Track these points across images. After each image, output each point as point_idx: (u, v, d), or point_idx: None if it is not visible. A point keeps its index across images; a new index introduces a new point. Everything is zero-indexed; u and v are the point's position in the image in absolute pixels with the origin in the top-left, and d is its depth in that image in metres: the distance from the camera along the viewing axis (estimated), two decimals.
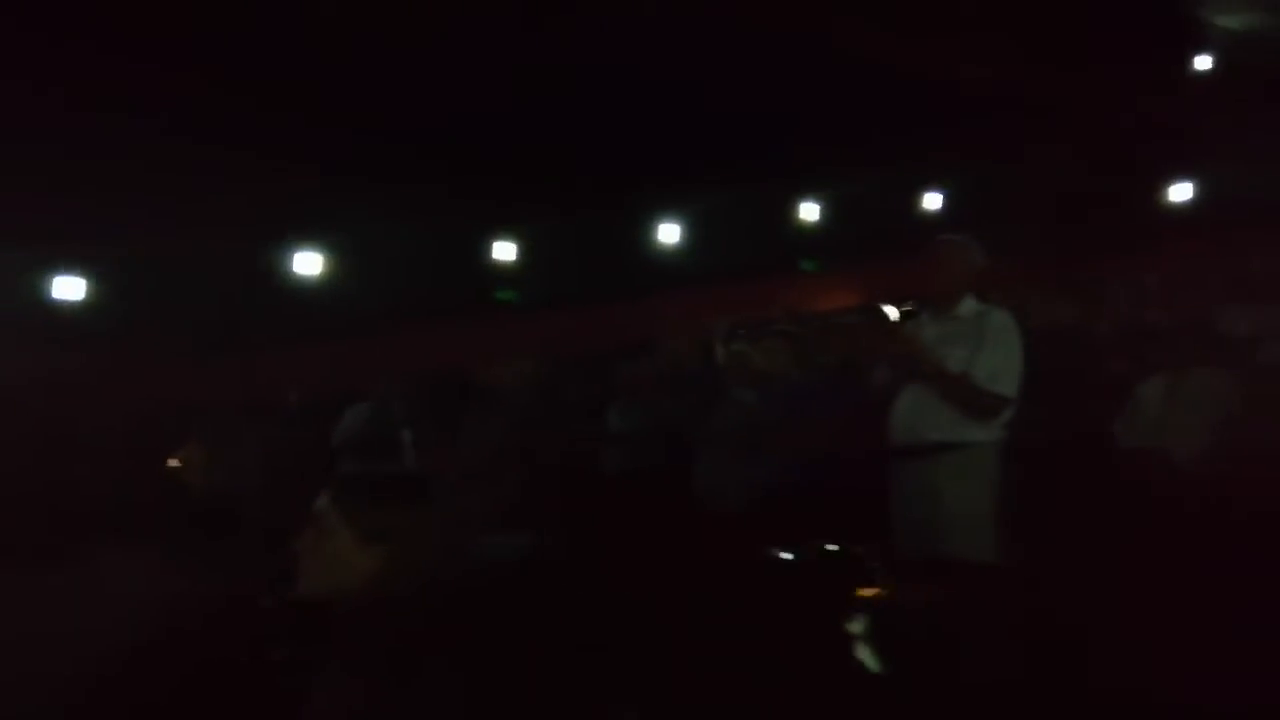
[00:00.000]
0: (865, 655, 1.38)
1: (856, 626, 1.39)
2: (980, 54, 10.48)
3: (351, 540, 1.92)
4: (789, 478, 3.67)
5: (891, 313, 3.41)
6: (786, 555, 1.54)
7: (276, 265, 7.53)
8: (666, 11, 8.00)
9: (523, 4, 7.34)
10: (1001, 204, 11.02)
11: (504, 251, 8.67)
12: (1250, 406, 3.34)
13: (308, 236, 7.49)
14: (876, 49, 9.37)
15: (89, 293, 7.38)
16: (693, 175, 8.69)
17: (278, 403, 6.27)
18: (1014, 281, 7.64)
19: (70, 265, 7.32)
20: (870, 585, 1.45)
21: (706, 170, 8.63)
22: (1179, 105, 12.08)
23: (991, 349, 3.07)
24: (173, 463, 4.23)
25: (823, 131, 9.01)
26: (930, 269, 3.29)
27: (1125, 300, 4.92)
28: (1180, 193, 10.99)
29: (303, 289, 7.47)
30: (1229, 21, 12.29)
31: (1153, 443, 3.48)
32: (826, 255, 10.67)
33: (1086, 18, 9.91)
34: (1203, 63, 12.54)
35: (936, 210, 11.65)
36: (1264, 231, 7.38)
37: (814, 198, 10.61)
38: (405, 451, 4.84)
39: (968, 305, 3.23)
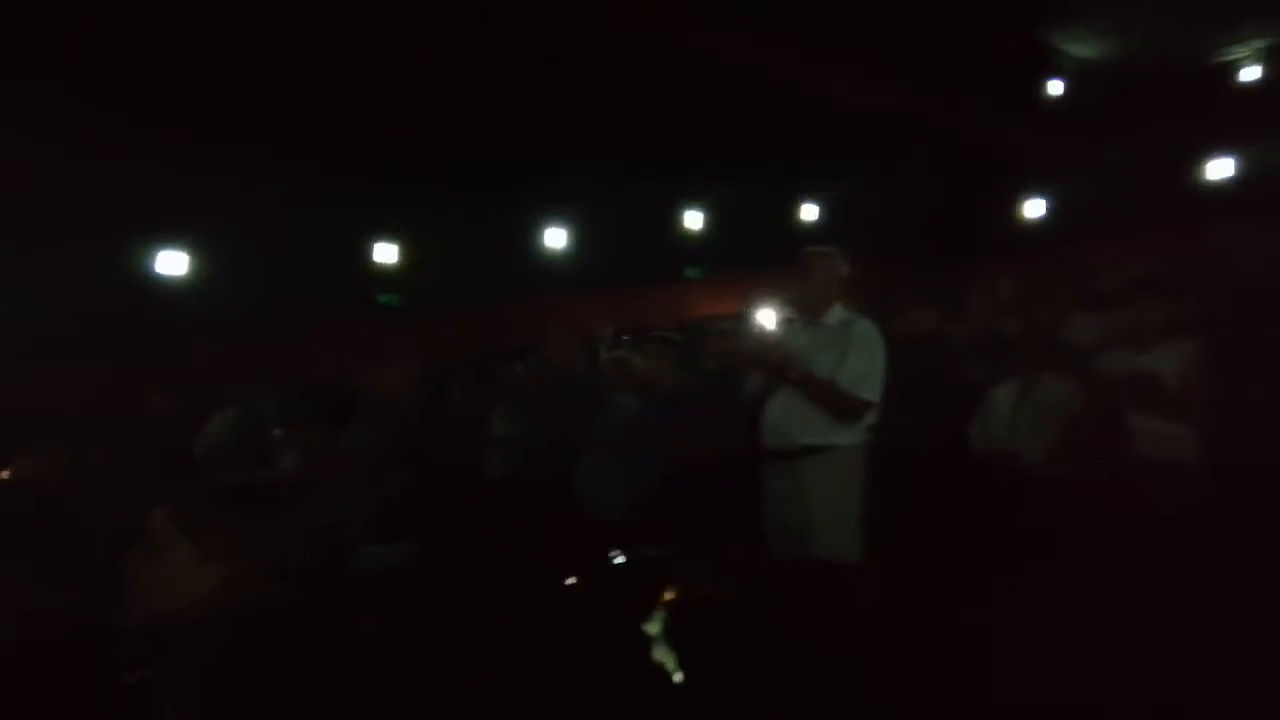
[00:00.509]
0: (662, 655, 1.41)
1: (654, 627, 1.43)
2: (853, 75, 10.96)
3: (189, 557, 1.81)
4: (668, 483, 3.71)
5: (769, 320, 3.49)
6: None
7: (138, 265, 7.10)
8: (559, 20, 8.01)
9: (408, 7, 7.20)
10: (871, 216, 11.54)
11: (385, 253, 8.44)
12: (1092, 411, 3.58)
13: (173, 235, 7.09)
14: (756, 65, 9.64)
15: None
16: (579, 180, 8.70)
17: (137, 410, 5.91)
18: (881, 289, 8.02)
19: None
20: (674, 586, 1.49)
21: (593, 175, 8.66)
22: (1033, 126, 12.91)
23: (856, 355, 3.20)
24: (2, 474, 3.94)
25: (706, 142, 9.20)
26: (799, 278, 3.41)
27: (982, 309, 5.19)
28: (1034, 208, 11.66)
29: (167, 290, 7.06)
30: (1079, 49, 13.24)
31: (1003, 445, 3.69)
32: (709, 263, 10.87)
33: (950, 43, 10.50)
34: (1055, 87, 13.45)
35: (813, 221, 12.06)
36: (1109, 245, 7.96)
37: (698, 206, 10.79)
38: (276, 459, 4.65)
39: (835, 313, 3.36)
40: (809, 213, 12.07)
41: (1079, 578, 2.78)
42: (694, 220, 10.87)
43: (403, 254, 8.53)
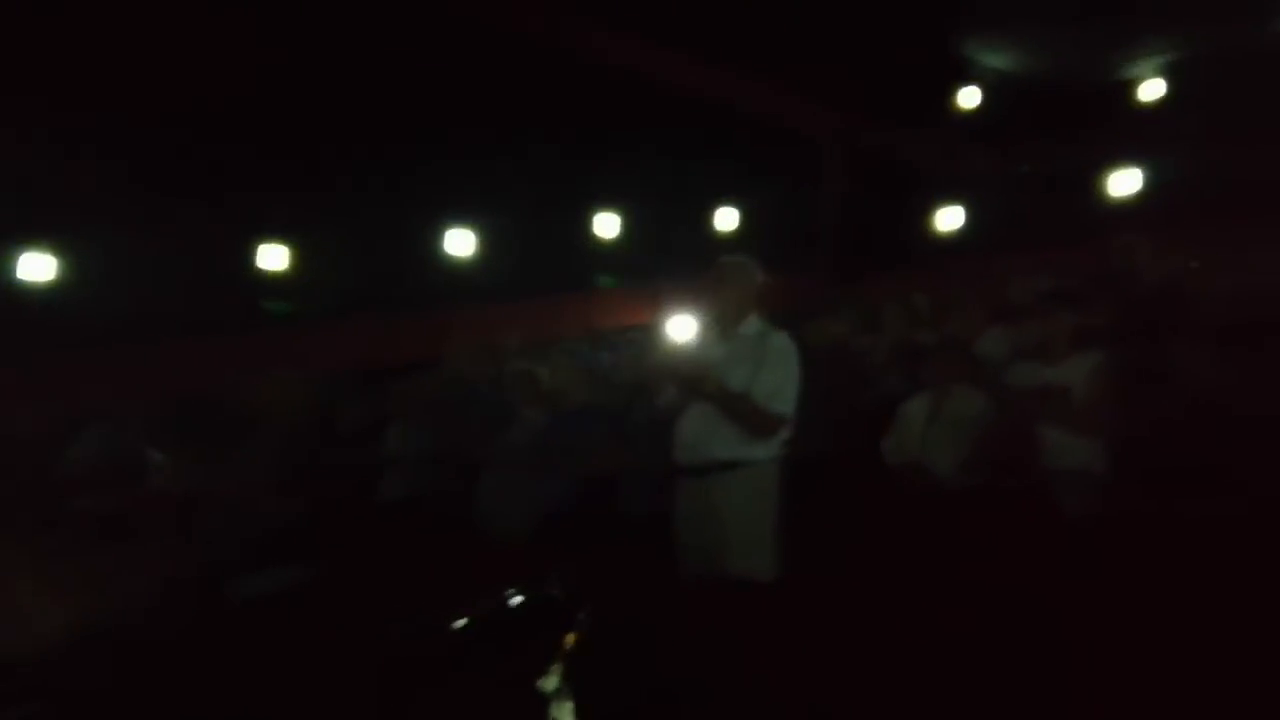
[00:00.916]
0: (561, 714, 1.26)
1: (550, 683, 1.27)
2: (768, 84, 11.08)
3: (31, 591, 1.64)
4: (574, 501, 3.57)
5: (684, 331, 3.40)
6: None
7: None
8: (467, 21, 7.83)
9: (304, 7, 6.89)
10: (789, 226, 11.66)
11: (274, 258, 7.86)
12: (1002, 423, 3.60)
13: (37, 237, 6.52)
14: (671, 73, 9.66)
15: None
16: (486, 183, 8.47)
17: None
18: (799, 300, 8.06)
19: None
20: (573, 630, 1.33)
21: (501, 179, 8.45)
22: (948, 136, 13.30)
23: (771, 369, 3.14)
24: None
25: (620, 148, 9.13)
26: (713, 290, 3.33)
27: (896, 320, 5.21)
28: (948, 220, 11.93)
29: (31, 296, 6.49)
30: (994, 60, 13.69)
31: (916, 458, 3.67)
32: (624, 271, 10.75)
33: (865, 53, 10.71)
34: (969, 98, 13.86)
35: (731, 229, 12.11)
36: (1020, 257, 8.19)
37: (612, 213, 10.68)
38: (150, 480, 4.32)
39: (750, 325, 3.29)
40: (727, 221, 12.12)
41: (993, 586, 2.78)
42: (608, 227, 10.74)
43: (293, 258, 8.01)
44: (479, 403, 4.38)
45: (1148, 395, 3.48)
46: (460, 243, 9.00)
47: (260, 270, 7.79)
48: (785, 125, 11.31)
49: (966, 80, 13.62)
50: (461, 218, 8.93)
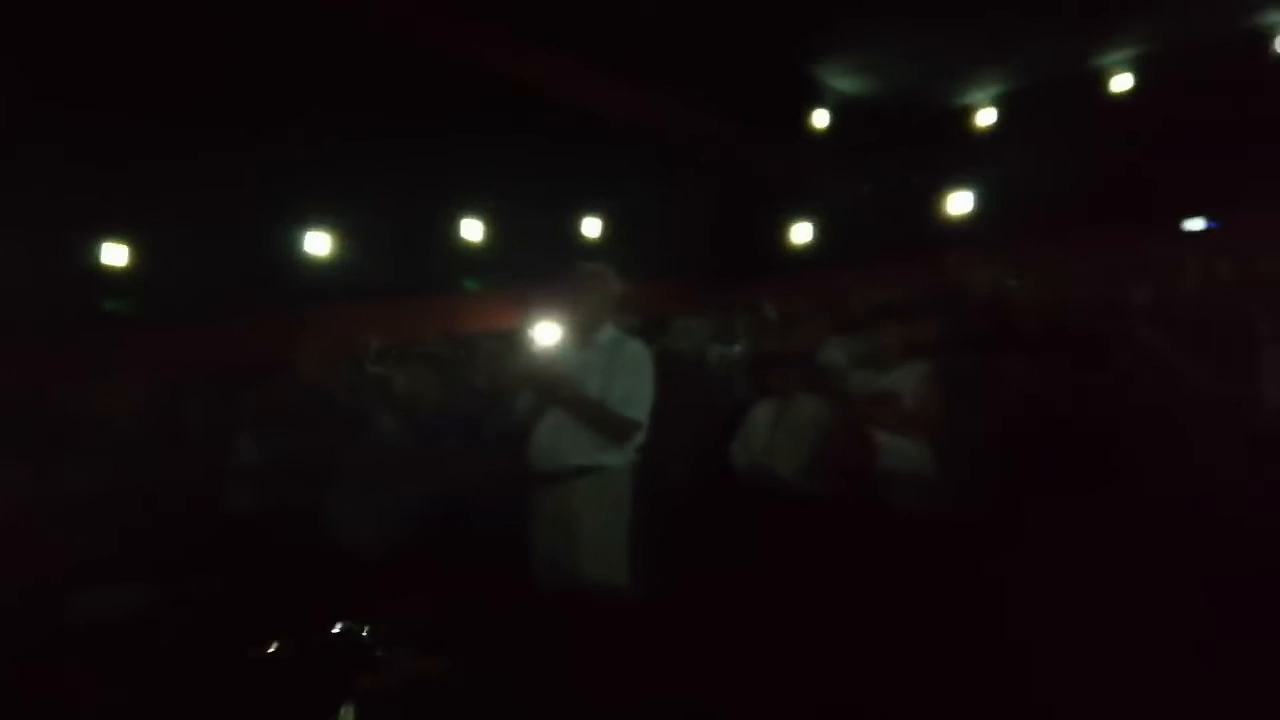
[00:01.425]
0: None
1: None
2: (632, 95, 11.25)
3: None
4: (431, 511, 3.52)
5: (545, 337, 3.42)
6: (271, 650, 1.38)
7: None
8: (328, 21, 7.57)
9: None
10: (651, 234, 11.86)
11: (113, 255, 7.37)
12: (841, 429, 3.78)
13: None
14: (533, 77, 9.65)
15: None
16: (345, 182, 8.20)
17: None
18: (657, 307, 8.20)
19: None
20: (374, 669, 1.33)
21: (361, 178, 8.21)
22: (800, 154, 13.85)
23: (626, 376, 3.20)
24: None
25: (485, 151, 9.04)
26: (570, 297, 3.36)
27: (747, 329, 5.39)
28: (800, 234, 12.44)
29: None
30: (842, 84, 14.36)
31: (762, 463, 3.82)
32: (488, 275, 10.62)
33: (725, 70, 11.05)
34: (821, 119, 14.50)
35: (595, 236, 12.19)
36: (865, 271, 8.61)
37: (477, 216, 10.53)
38: None
39: (606, 333, 3.34)
40: (593, 227, 12.18)
41: (837, 588, 2.93)
42: (473, 231, 10.59)
43: (134, 256, 7.51)
44: (332, 409, 4.25)
45: (974, 401, 3.73)
46: (317, 244, 8.69)
47: (99, 268, 7.24)
48: (649, 136, 11.52)
49: (819, 102, 14.32)
50: (319, 219, 8.62)
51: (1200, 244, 8.97)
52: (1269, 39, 12.46)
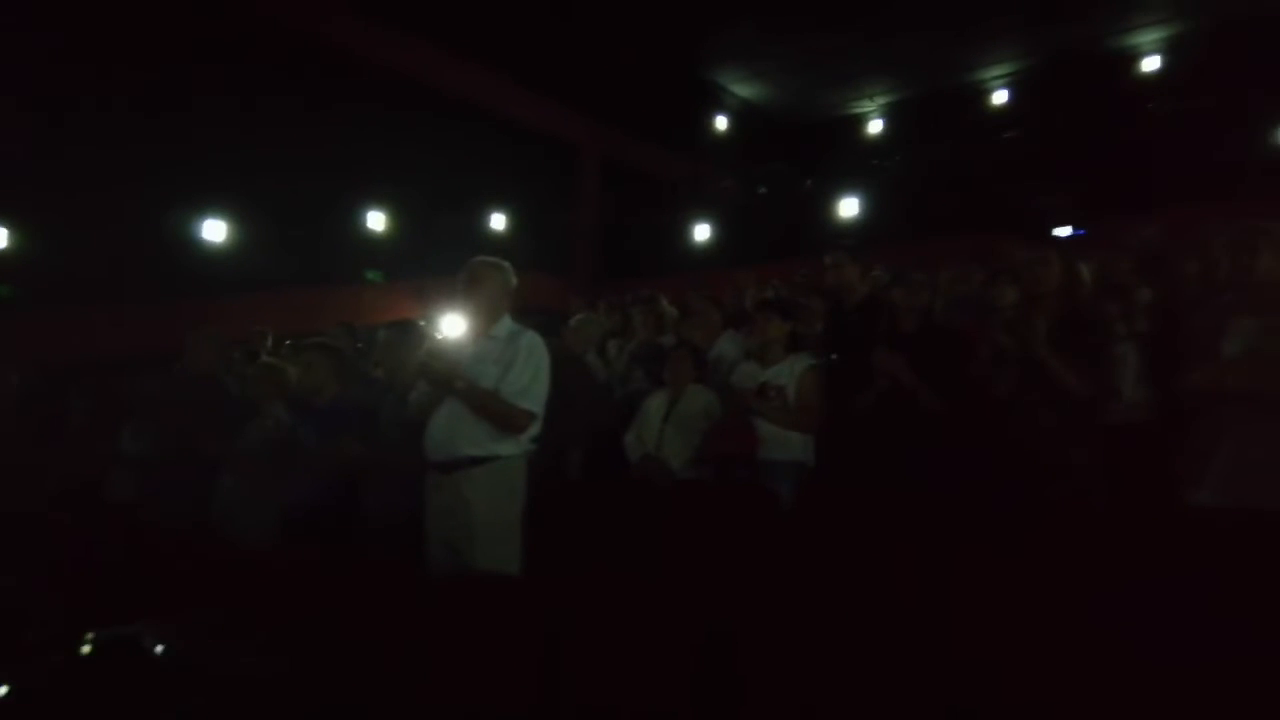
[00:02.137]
0: None
1: None
2: (538, 98, 11.30)
3: None
4: (319, 502, 3.49)
5: (453, 329, 3.41)
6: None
7: None
8: (230, 13, 7.34)
9: None
10: (553, 231, 11.93)
11: None
12: (727, 419, 3.94)
13: None
14: (437, 76, 9.60)
15: None
16: (242, 171, 7.96)
17: None
18: (556, 302, 8.27)
19: None
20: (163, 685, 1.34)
21: (259, 167, 7.98)
22: (700, 157, 14.13)
23: (521, 367, 3.22)
24: None
25: (390, 144, 8.93)
26: (467, 290, 3.38)
27: (644, 324, 5.53)
28: (698, 233, 12.66)
29: None
30: (741, 90, 14.71)
31: (653, 451, 3.95)
32: (391, 267, 10.48)
33: (626, 73, 11.21)
34: (720, 123, 14.84)
35: (500, 231, 12.18)
36: (757, 270, 8.84)
37: (381, 209, 10.38)
38: None
39: (503, 325, 3.36)
40: (496, 222, 12.14)
41: (719, 568, 3.06)
42: (376, 222, 10.44)
43: (15, 239, 7.10)
44: (217, 399, 4.16)
45: (851, 394, 3.91)
46: (214, 231, 8.41)
47: None
48: (550, 134, 11.59)
49: (718, 108, 14.69)
50: (216, 205, 8.33)
51: (1066, 249, 9.56)
52: (1134, 59, 13.45)
